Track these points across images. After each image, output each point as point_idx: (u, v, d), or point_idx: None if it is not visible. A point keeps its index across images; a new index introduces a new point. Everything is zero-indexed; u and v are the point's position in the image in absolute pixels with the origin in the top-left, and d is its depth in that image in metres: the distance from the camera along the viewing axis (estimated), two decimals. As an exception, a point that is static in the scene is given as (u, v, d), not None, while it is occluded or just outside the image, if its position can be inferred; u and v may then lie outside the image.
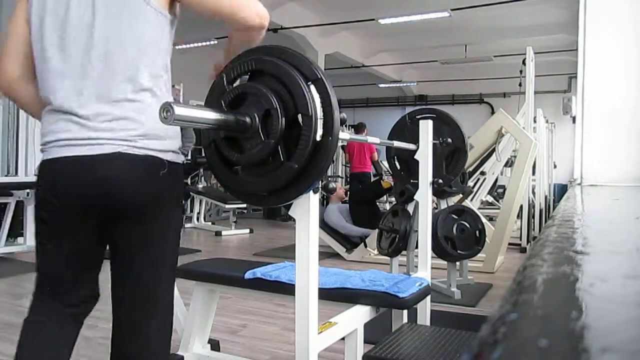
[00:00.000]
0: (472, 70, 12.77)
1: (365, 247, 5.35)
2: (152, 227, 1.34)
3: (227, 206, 7.54)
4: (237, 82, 1.34)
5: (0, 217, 5.43)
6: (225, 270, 2.30)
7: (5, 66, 1.35)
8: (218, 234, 7.26)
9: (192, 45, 9.54)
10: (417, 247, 2.55)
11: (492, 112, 12.68)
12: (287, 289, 1.87)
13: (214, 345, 2.43)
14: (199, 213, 8.07)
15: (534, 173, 6.42)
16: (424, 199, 2.43)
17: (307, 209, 1.35)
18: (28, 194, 5.32)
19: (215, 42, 9.22)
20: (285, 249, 5.80)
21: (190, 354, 2.26)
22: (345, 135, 1.63)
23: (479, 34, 10.34)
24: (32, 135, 5.57)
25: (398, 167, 2.98)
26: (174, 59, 1.43)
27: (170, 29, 1.34)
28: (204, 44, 9.52)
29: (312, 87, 1.23)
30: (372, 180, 7.73)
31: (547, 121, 7.52)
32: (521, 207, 5.64)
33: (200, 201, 8.03)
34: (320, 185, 1.38)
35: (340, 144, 1.84)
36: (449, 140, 2.88)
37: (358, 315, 1.83)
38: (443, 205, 3.89)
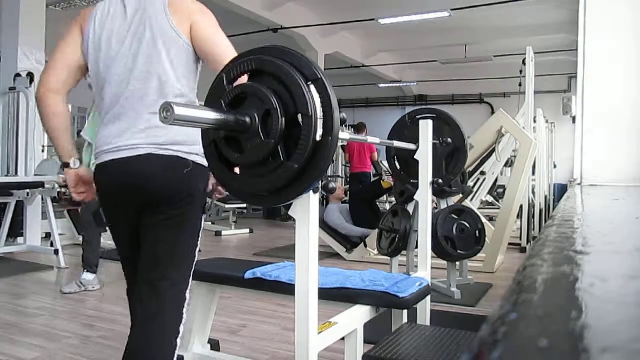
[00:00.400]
0: (472, 70, 12.76)
1: (365, 247, 5.35)
2: (175, 215, 1.58)
3: (227, 206, 7.54)
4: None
5: (0, 217, 5.42)
6: (225, 270, 2.30)
7: (49, 77, 1.59)
8: (218, 234, 7.26)
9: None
10: (417, 247, 2.55)
11: (492, 112, 12.67)
12: (287, 289, 1.88)
13: (214, 345, 2.43)
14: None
15: (534, 173, 6.42)
16: (424, 199, 2.43)
17: (307, 209, 1.35)
18: (28, 194, 5.31)
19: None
20: (285, 249, 5.81)
21: (190, 354, 2.26)
22: (345, 135, 1.63)
23: (478, 34, 10.33)
24: (32, 136, 5.57)
25: (398, 167, 2.97)
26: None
27: (196, 58, 1.61)
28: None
29: (312, 87, 1.23)
30: (372, 180, 7.73)
31: (547, 121, 7.51)
32: (521, 207, 5.64)
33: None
34: (320, 185, 1.38)
35: (340, 144, 1.84)
36: (449, 140, 2.87)
37: (358, 315, 1.83)
38: (443, 205, 3.88)
